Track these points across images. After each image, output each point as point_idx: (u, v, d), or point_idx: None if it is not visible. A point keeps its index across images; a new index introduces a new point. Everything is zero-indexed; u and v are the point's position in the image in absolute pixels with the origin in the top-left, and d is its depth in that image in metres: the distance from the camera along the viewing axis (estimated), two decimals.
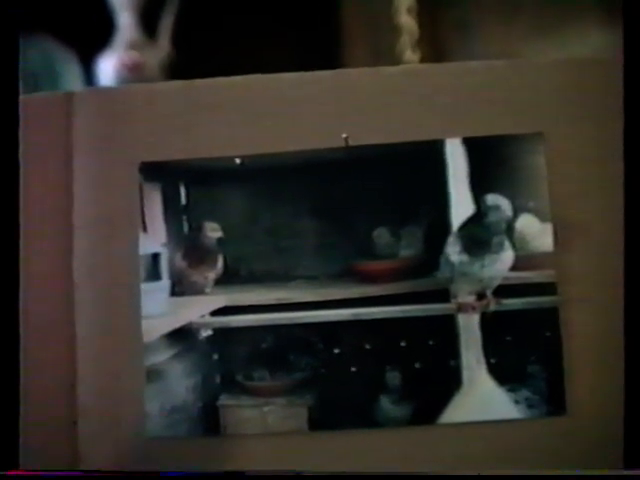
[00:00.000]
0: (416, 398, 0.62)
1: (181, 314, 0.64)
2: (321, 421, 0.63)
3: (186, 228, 0.65)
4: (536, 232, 0.62)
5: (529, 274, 0.62)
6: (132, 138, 0.64)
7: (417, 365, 0.63)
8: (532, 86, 0.63)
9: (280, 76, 0.64)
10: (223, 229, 0.65)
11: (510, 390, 0.62)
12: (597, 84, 0.63)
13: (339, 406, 0.63)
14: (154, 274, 0.64)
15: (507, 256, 0.63)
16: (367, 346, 0.63)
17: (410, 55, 1.25)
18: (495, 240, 0.63)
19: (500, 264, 0.63)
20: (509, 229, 0.63)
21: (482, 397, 0.62)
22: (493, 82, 0.64)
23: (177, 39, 1.28)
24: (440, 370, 0.62)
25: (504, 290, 0.62)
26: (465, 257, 0.63)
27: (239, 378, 0.64)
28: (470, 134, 0.63)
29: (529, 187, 0.63)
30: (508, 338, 0.62)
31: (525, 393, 0.62)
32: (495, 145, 0.63)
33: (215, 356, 0.64)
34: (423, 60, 1.25)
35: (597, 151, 0.62)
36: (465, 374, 0.62)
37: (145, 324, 0.63)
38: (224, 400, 0.64)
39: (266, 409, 0.63)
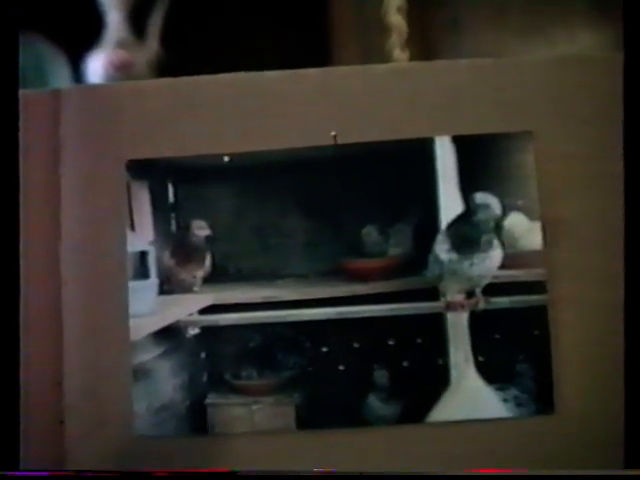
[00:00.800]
0: (404, 397, 0.62)
1: (169, 312, 0.64)
2: (309, 420, 0.63)
3: (174, 226, 0.65)
4: (525, 230, 0.62)
5: (518, 272, 0.62)
6: (119, 136, 0.64)
7: (405, 364, 0.62)
8: (521, 85, 0.63)
9: (268, 74, 0.64)
10: (211, 227, 0.64)
11: (498, 389, 0.62)
12: (586, 82, 0.63)
13: (327, 405, 0.63)
14: (142, 272, 0.64)
15: (496, 254, 0.63)
16: (355, 345, 0.63)
17: (400, 54, 1.25)
18: (484, 238, 0.63)
19: (489, 262, 0.63)
20: (498, 227, 0.63)
21: (470, 396, 0.62)
22: (482, 80, 0.64)
23: (166, 38, 1.28)
24: (428, 369, 0.62)
25: (493, 288, 0.62)
26: (454, 255, 0.63)
27: (227, 377, 0.64)
28: (459, 132, 0.63)
29: (518, 185, 0.63)
30: (497, 336, 0.62)
31: (513, 392, 0.62)
32: (484, 143, 0.63)
33: (203, 354, 0.64)
34: (412, 59, 1.25)
35: (586, 149, 0.62)
36: (453, 373, 0.62)
37: (133, 322, 0.62)
38: (212, 399, 0.63)
39: (254, 408, 0.63)
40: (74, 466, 0.61)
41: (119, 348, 0.62)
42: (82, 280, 0.63)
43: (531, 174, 0.62)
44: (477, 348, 0.62)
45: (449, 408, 0.62)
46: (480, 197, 0.63)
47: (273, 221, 0.64)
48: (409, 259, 0.64)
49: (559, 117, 0.63)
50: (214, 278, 0.65)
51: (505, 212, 0.63)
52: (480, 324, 0.62)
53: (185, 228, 0.65)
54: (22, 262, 0.62)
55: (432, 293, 0.63)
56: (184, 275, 0.65)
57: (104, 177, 0.64)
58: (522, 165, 0.62)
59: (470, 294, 0.62)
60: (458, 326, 0.62)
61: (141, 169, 0.64)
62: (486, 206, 0.62)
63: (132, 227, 0.64)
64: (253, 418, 0.63)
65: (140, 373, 0.62)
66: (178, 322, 0.64)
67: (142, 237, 0.64)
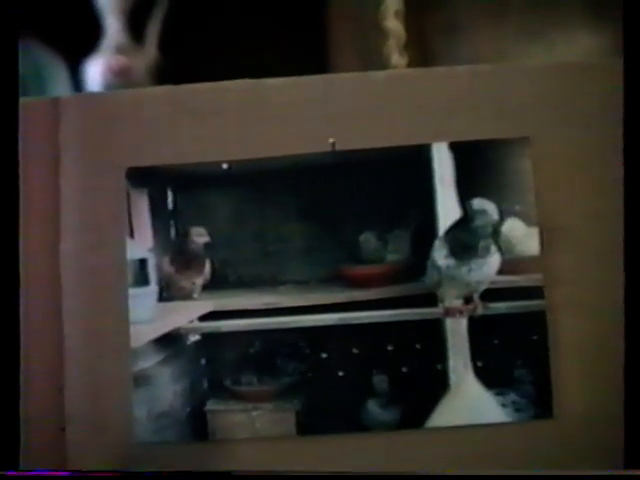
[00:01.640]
0: (403, 402, 0.62)
1: (169, 319, 0.64)
2: (309, 425, 0.63)
3: (173, 233, 0.65)
4: (522, 236, 0.63)
5: (516, 278, 0.63)
6: (119, 144, 0.64)
7: (404, 369, 0.63)
8: (518, 91, 0.63)
9: (267, 81, 0.64)
10: (210, 234, 0.65)
11: (497, 394, 0.62)
12: (583, 89, 0.63)
13: (327, 410, 0.63)
14: (142, 279, 0.64)
15: (494, 260, 0.63)
16: (354, 350, 0.63)
17: (397, 59, 1.25)
18: (482, 244, 0.63)
19: (487, 268, 0.63)
20: (496, 233, 0.63)
21: (469, 401, 0.62)
22: (479, 87, 0.64)
23: (164, 43, 1.28)
24: (427, 374, 0.62)
25: (491, 294, 0.62)
26: (452, 261, 0.63)
27: (227, 383, 0.64)
28: (457, 138, 0.63)
29: (515, 191, 0.63)
30: (495, 342, 0.63)
31: (512, 397, 0.62)
32: (481, 150, 0.63)
33: (203, 361, 0.64)
34: (411, 63, 1.25)
35: (583, 155, 0.62)
36: (452, 378, 0.62)
37: (133, 329, 0.63)
38: (212, 405, 0.64)
39: (254, 414, 0.63)
40: None
41: (119, 355, 0.62)
42: (82, 287, 0.63)
43: (528, 180, 0.62)
44: (476, 353, 0.62)
45: (448, 413, 0.62)
46: (478, 203, 0.63)
47: (272, 228, 0.65)
48: (407, 265, 0.64)
49: (556, 123, 0.63)
50: (214, 285, 0.65)
51: (503, 218, 0.63)
52: (478, 329, 0.62)
53: (184, 235, 0.65)
54: (22, 269, 0.62)
55: (430, 299, 0.63)
56: (184, 282, 0.65)
57: (104, 184, 0.64)
58: (519, 171, 0.63)
59: (468, 300, 0.63)
60: (457, 332, 0.62)
61: (140, 176, 0.64)
62: (484, 212, 0.63)
63: (131, 234, 0.64)
64: (253, 424, 0.63)
65: (140, 380, 0.63)
66: (178, 329, 0.64)
67: (142, 244, 0.64)
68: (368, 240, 0.64)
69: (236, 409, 0.63)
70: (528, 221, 0.62)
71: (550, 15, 1.25)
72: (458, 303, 0.63)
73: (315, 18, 1.30)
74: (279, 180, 0.64)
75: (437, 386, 0.62)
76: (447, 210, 0.63)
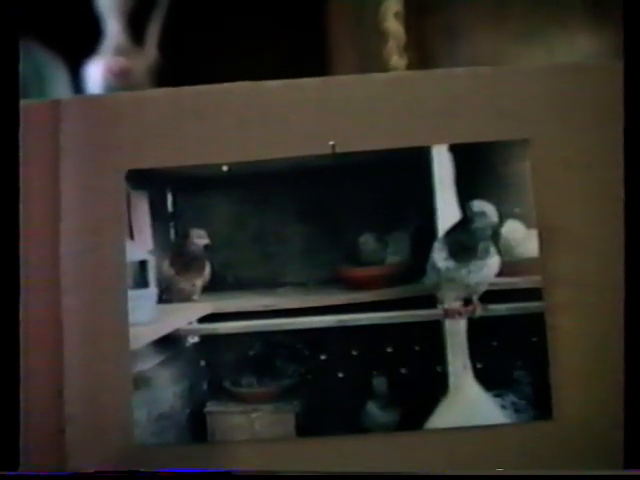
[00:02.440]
0: (403, 404, 0.62)
1: (168, 321, 0.64)
2: (308, 427, 0.63)
3: (173, 235, 0.65)
4: (522, 238, 0.63)
5: (515, 280, 0.63)
6: (119, 146, 0.64)
7: (404, 371, 0.63)
8: (518, 93, 0.64)
9: (267, 83, 0.65)
10: (210, 236, 0.65)
11: (496, 395, 0.62)
12: (583, 91, 0.63)
13: (326, 412, 0.63)
14: (141, 281, 0.64)
15: (493, 262, 0.63)
16: (354, 352, 0.63)
17: (397, 60, 1.25)
18: (481, 246, 0.63)
19: (486, 270, 0.63)
20: (495, 235, 0.63)
21: (468, 402, 0.62)
22: (479, 89, 0.64)
23: (164, 45, 1.28)
24: (427, 376, 0.63)
25: (490, 296, 0.63)
26: (451, 263, 0.63)
27: (226, 385, 0.64)
28: (457, 141, 0.63)
29: (515, 193, 0.63)
30: (494, 343, 0.63)
31: (511, 398, 0.62)
32: (481, 152, 0.63)
33: (202, 363, 0.64)
34: (410, 65, 1.25)
35: (582, 157, 0.62)
36: (451, 380, 0.62)
37: (133, 331, 0.63)
38: (212, 407, 0.64)
39: (254, 415, 0.63)
40: None
41: (119, 357, 0.62)
42: (82, 289, 0.63)
43: (528, 182, 0.62)
44: (475, 355, 0.62)
45: (447, 415, 0.62)
46: (477, 205, 0.63)
47: (272, 230, 0.65)
48: (407, 267, 0.64)
49: (556, 125, 0.63)
50: (213, 287, 0.65)
51: (502, 220, 0.63)
52: (478, 331, 0.62)
53: (184, 237, 0.65)
54: (22, 271, 0.62)
55: (430, 300, 0.63)
56: (183, 284, 0.65)
57: (104, 187, 0.64)
58: (519, 173, 0.63)
59: (467, 301, 0.63)
60: (456, 333, 0.63)
61: (140, 178, 0.64)
62: (483, 214, 0.63)
63: (131, 236, 0.64)
64: (253, 426, 0.63)
65: (140, 381, 0.63)
66: (178, 331, 0.64)
67: (141, 246, 0.64)
68: (368, 242, 0.64)
69: (236, 411, 0.63)
70: (527, 223, 0.62)
71: (550, 17, 1.26)
72: (457, 305, 0.63)
73: (315, 19, 1.30)
74: (279, 182, 0.64)
75: (436, 388, 0.62)
76: (447, 212, 0.63)
